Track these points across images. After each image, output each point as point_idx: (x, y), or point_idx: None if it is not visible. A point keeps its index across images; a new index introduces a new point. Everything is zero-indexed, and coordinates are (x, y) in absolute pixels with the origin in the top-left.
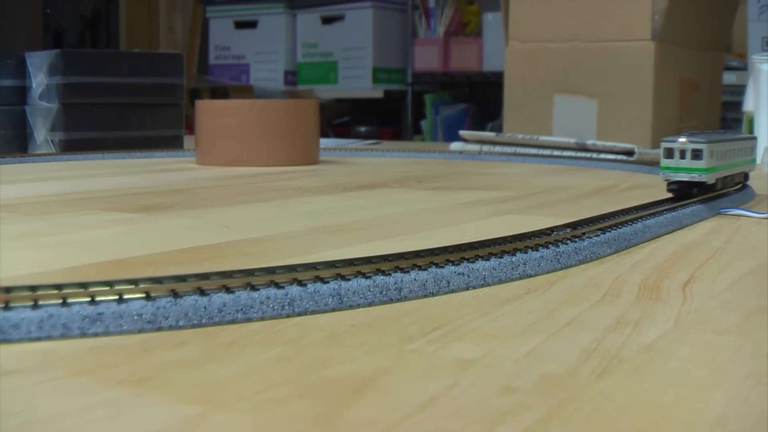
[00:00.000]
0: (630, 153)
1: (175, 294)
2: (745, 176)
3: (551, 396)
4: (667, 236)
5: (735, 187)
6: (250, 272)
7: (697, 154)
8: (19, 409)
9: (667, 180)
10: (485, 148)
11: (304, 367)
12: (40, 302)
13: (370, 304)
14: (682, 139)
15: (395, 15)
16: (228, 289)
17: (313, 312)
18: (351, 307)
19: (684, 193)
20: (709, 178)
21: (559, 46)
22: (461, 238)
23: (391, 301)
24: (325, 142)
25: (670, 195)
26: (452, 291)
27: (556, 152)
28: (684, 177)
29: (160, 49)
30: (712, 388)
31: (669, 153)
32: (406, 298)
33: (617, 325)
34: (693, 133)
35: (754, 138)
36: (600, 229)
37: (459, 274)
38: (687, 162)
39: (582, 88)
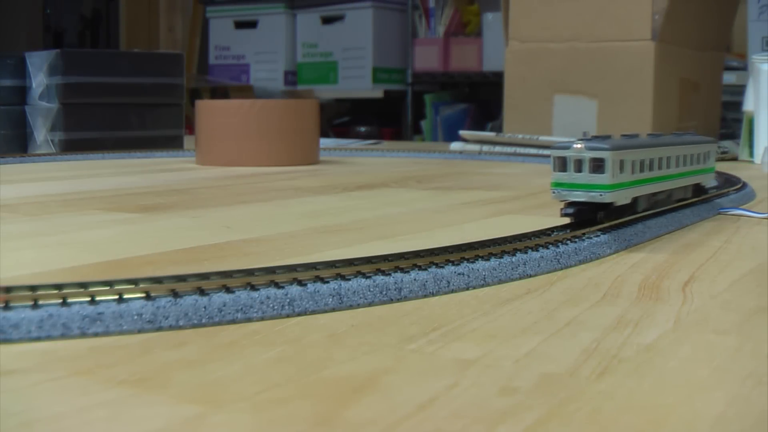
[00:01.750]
0: None
1: (175, 294)
2: (699, 190)
3: (551, 396)
4: (667, 236)
5: (674, 206)
6: (250, 272)
7: (598, 166)
8: (19, 409)
9: (561, 201)
10: (485, 148)
11: (304, 367)
12: (40, 302)
13: (370, 304)
14: (578, 146)
15: (395, 15)
16: (228, 289)
17: (313, 312)
18: (351, 307)
19: (585, 218)
20: (616, 198)
21: (559, 46)
22: (461, 238)
23: (391, 301)
24: (325, 142)
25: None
26: (452, 291)
27: None
28: (580, 196)
29: (160, 49)
30: (712, 388)
31: (561, 164)
32: (406, 298)
33: (617, 325)
34: (597, 137)
35: (712, 141)
36: (600, 229)
37: (459, 274)
38: (585, 176)
39: (582, 88)
